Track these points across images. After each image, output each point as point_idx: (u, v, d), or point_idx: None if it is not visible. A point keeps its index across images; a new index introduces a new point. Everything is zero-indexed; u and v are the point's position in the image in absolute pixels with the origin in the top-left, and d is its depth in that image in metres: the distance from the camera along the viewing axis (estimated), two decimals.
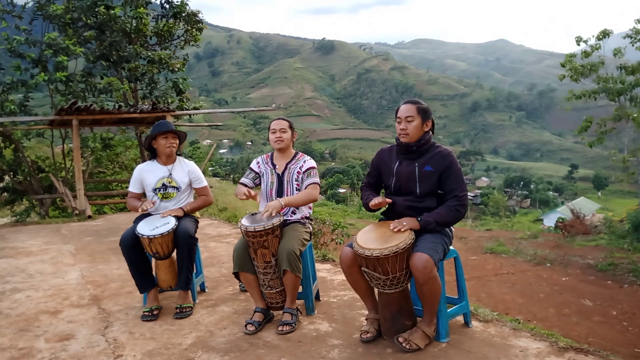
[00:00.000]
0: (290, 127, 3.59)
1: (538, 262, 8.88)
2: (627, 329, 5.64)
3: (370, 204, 3.01)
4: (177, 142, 3.81)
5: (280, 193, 3.51)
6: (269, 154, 3.70)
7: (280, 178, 3.54)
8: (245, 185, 3.53)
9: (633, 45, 13.03)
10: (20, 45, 10.19)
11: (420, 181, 2.95)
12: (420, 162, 2.97)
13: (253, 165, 3.69)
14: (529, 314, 6.02)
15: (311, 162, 3.59)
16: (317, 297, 3.79)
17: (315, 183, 3.51)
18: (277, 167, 3.57)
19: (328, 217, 8.93)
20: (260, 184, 3.65)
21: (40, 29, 11.26)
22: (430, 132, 3.04)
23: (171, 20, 12.14)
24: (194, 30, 12.36)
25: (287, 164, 3.56)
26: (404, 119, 2.99)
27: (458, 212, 2.88)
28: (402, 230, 2.79)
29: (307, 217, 3.58)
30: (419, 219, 2.86)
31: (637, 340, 5.26)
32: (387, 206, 3.13)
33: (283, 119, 3.60)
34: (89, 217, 8.99)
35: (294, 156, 3.61)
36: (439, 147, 3.02)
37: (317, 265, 4.69)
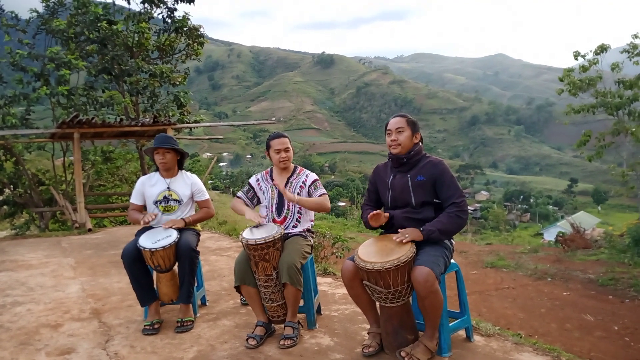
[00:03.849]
0: (290, 142, 3.62)
1: (539, 277, 8.85)
2: (629, 344, 5.60)
3: (367, 217, 3.00)
4: (171, 156, 3.79)
5: (280, 208, 3.54)
6: (268, 170, 3.72)
7: (280, 193, 3.55)
8: (242, 200, 3.64)
9: (630, 60, 13.13)
10: (23, 59, 10.27)
11: (414, 191, 2.98)
12: (412, 173, 3.02)
13: (252, 181, 3.71)
14: (530, 329, 5.99)
15: (314, 175, 3.63)
16: (319, 311, 3.78)
17: (325, 194, 3.56)
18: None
19: (328, 230, 8.90)
20: (256, 202, 3.69)
21: (43, 43, 11.37)
22: (420, 144, 3.09)
23: (173, 35, 12.27)
24: (195, 44, 12.48)
25: (288, 179, 3.58)
26: (394, 131, 3.05)
27: (459, 219, 2.88)
28: (404, 241, 2.81)
29: (308, 230, 3.60)
30: (421, 229, 2.87)
31: (639, 356, 5.24)
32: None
33: (283, 136, 3.59)
34: (89, 230, 8.98)
35: (294, 171, 3.63)
36: (429, 157, 3.07)
37: (318, 279, 4.68)
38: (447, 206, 2.93)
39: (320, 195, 3.53)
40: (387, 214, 3.03)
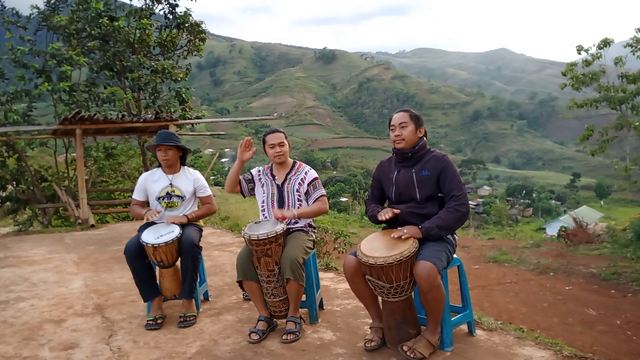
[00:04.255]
0: (285, 137, 3.60)
1: (541, 271, 8.84)
2: (631, 338, 5.60)
3: (379, 218, 3.00)
4: (172, 153, 3.78)
5: (281, 203, 3.54)
6: (269, 165, 3.72)
7: (280, 189, 3.56)
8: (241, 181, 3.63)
9: (634, 54, 13.05)
10: (25, 55, 10.28)
11: (418, 186, 2.98)
12: (417, 168, 3.01)
13: (254, 171, 3.72)
14: (532, 323, 5.99)
15: (313, 173, 3.61)
16: (321, 306, 3.79)
17: (323, 195, 3.56)
18: (276, 178, 3.59)
19: (330, 226, 8.92)
20: (253, 191, 3.67)
21: (44, 40, 11.35)
22: (424, 139, 3.09)
23: (174, 31, 12.24)
24: (196, 40, 12.45)
25: (287, 175, 3.58)
26: (397, 126, 3.05)
27: (458, 212, 2.86)
28: (403, 237, 2.81)
29: (310, 225, 3.60)
30: (420, 226, 2.87)
31: None
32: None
33: (278, 131, 3.59)
34: (92, 226, 9.01)
35: (293, 166, 3.63)
36: (433, 152, 3.07)
37: (321, 274, 4.69)
38: (448, 200, 2.93)
39: (318, 197, 3.53)
40: (397, 210, 3.01)
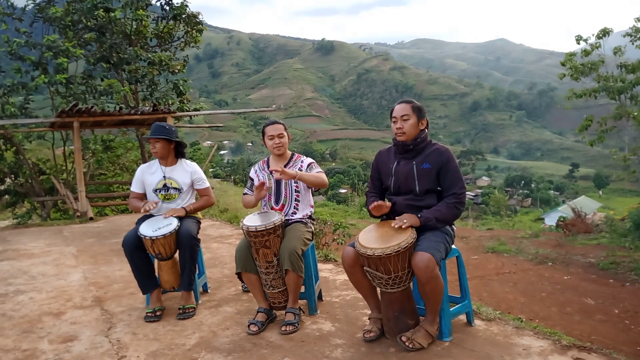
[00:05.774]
0: (285, 129, 3.59)
1: (540, 261, 8.86)
2: (629, 327, 5.62)
3: (369, 208, 3.02)
4: (161, 145, 3.73)
5: (278, 196, 3.53)
6: (265, 159, 3.72)
7: (277, 181, 3.54)
8: (250, 194, 3.60)
9: (633, 44, 13.01)
10: (21, 47, 10.20)
11: (418, 179, 2.96)
12: (417, 160, 2.99)
13: (252, 174, 3.71)
14: (531, 313, 6.01)
15: (309, 159, 3.62)
16: (320, 297, 3.80)
17: (321, 172, 3.54)
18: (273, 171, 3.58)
19: (329, 217, 8.91)
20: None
21: (40, 32, 11.27)
22: (426, 130, 3.07)
23: (171, 22, 12.16)
24: (194, 31, 12.38)
25: (285, 166, 3.57)
26: (399, 118, 3.01)
27: (456, 209, 2.90)
28: (403, 227, 2.80)
29: (309, 217, 3.59)
30: (419, 215, 2.87)
31: (639, 339, 5.26)
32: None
33: (277, 123, 3.57)
34: (91, 218, 9.01)
35: (291, 158, 3.62)
36: (435, 145, 3.04)
37: (320, 265, 4.69)
38: (447, 195, 2.93)
39: (318, 172, 3.52)
40: (389, 203, 3.02)
